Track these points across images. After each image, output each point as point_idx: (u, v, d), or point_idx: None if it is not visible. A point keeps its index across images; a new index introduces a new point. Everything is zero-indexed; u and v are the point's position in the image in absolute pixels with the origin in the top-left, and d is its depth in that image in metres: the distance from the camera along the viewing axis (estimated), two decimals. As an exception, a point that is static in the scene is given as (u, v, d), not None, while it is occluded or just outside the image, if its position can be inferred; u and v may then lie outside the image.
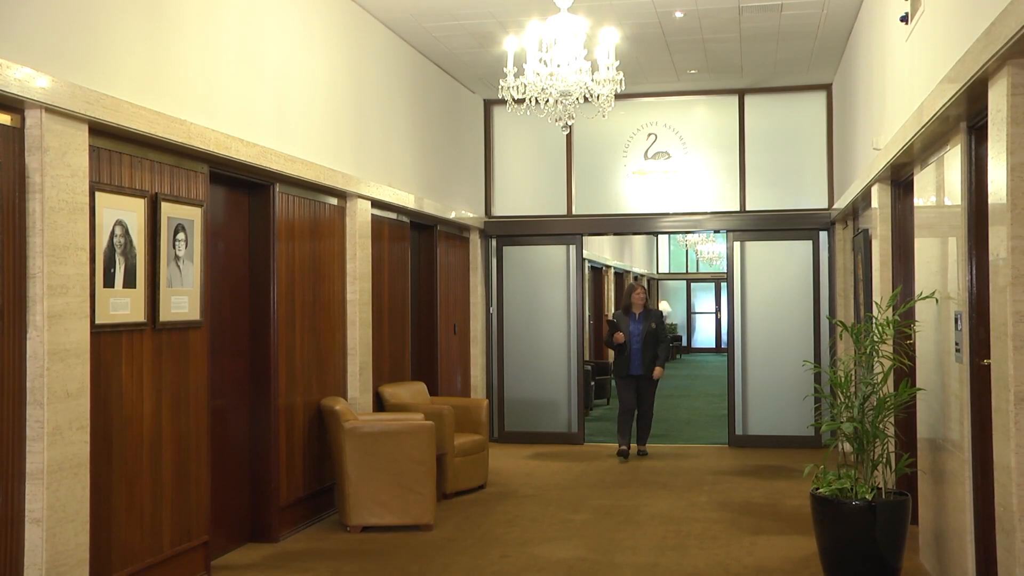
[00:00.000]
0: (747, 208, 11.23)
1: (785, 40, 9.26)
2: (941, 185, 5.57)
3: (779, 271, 11.12)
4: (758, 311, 11.13)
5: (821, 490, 5.73)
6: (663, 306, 28.54)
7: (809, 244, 11.10)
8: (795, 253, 11.14)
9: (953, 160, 5.21)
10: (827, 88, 11.05)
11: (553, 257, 11.55)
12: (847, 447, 6.01)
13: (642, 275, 24.59)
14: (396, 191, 8.67)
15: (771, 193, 11.21)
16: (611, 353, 12.50)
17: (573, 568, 6.09)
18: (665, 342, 10.35)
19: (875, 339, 5.89)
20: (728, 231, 11.20)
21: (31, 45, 4.41)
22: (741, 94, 11.26)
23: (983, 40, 3.96)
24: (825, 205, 11.01)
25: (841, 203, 9.73)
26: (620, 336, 10.16)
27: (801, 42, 9.33)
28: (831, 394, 6.10)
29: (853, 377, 5.97)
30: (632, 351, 10.19)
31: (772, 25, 8.77)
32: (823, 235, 11.06)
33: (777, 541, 6.75)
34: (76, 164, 4.67)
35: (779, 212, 11.12)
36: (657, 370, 10.23)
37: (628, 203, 11.53)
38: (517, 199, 11.78)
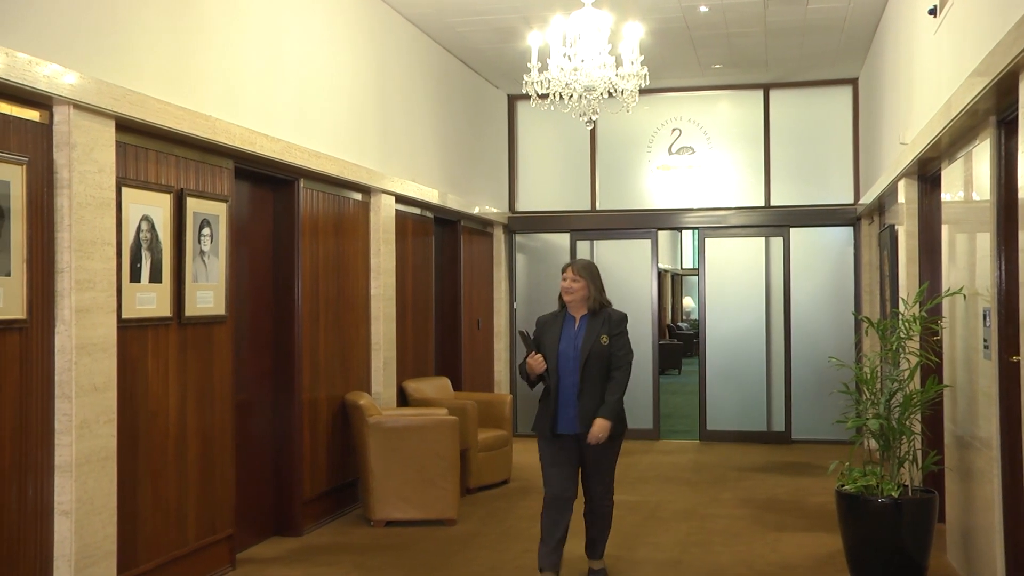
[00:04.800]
0: (772, 203, 11.17)
1: (811, 34, 9.19)
2: (969, 180, 5.51)
3: (805, 267, 11.06)
4: (783, 307, 11.07)
5: (846, 487, 5.69)
6: (687, 303, 27.27)
7: (835, 239, 11.04)
8: (821, 248, 11.08)
9: (982, 155, 5.15)
10: (853, 82, 10.96)
11: (577, 252, 11.52)
12: (873, 444, 5.97)
13: (666, 270, 24.34)
14: (420, 186, 8.68)
15: (796, 188, 11.15)
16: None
17: (596, 564, 6.08)
18: (623, 368, 5.42)
19: (901, 335, 5.85)
20: (753, 226, 11.16)
21: (59, 42, 4.44)
22: (766, 89, 11.19)
23: (1014, 33, 3.91)
24: (851, 200, 10.94)
25: (867, 198, 9.66)
26: (538, 361, 5.36)
27: (827, 36, 9.26)
28: (856, 390, 6.06)
29: (879, 373, 5.93)
30: (561, 389, 5.37)
31: (798, 19, 8.71)
32: (849, 230, 10.98)
33: (801, 538, 6.71)
34: (103, 160, 4.70)
35: (804, 207, 11.05)
36: (597, 424, 5.30)
37: (652, 198, 11.50)
38: (541, 194, 11.77)
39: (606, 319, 5.43)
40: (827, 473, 6.26)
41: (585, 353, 5.34)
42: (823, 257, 11.08)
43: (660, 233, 11.67)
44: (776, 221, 11.10)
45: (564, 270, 5.49)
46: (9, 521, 4.25)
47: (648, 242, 11.39)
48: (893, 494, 5.48)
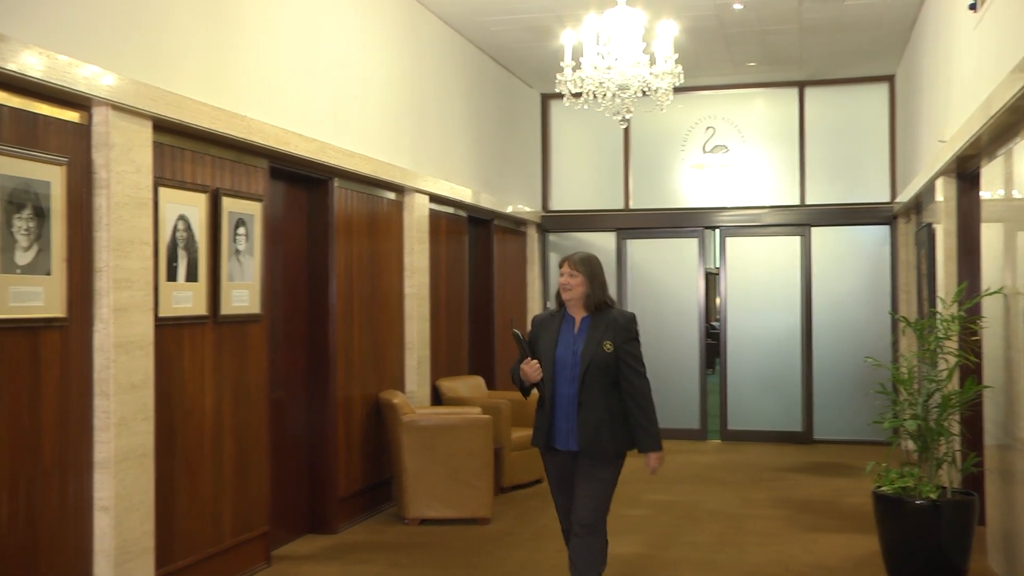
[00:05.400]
0: (807, 202, 11.09)
1: (846, 31, 9.10)
2: (1010, 178, 5.43)
3: (839, 265, 10.97)
4: (820, 307, 10.99)
5: (883, 488, 5.64)
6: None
7: (871, 238, 10.94)
8: (856, 247, 10.98)
9: (1023, 152, 5.07)
10: (890, 79, 10.85)
11: (610, 251, 11.50)
12: (910, 445, 5.91)
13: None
14: (453, 185, 8.69)
15: (832, 187, 11.06)
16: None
17: (631, 564, 6.06)
18: (642, 384, 4.66)
19: (939, 335, 5.78)
20: (787, 225, 11.09)
21: (97, 44, 4.49)
22: (801, 86, 11.11)
23: (1055, 28, 3.85)
24: (887, 199, 10.83)
25: (904, 197, 9.55)
26: (534, 369, 4.64)
27: (863, 32, 9.16)
28: (893, 391, 5.99)
29: (916, 374, 5.86)
30: (557, 399, 4.67)
31: (833, 15, 8.63)
32: (885, 229, 10.87)
33: (837, 539, 6.65)
34: (140, 160, 4.75)
35: (840, 206, 10.96)
36: (652, 458, 4.72)
37: (686, 197, 11.45)
38: (574, 193, 11.75)
39: (611, 322, 4.65)
40: (864, 474, 6.20)
41: (585, 362, 4.58)
42: (858, 256, 10.98)
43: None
44: (811, 220, 11.02)
45: (562, 264, 4.78)
46: (51, 516, 4.31)
47: (695, 241, 11.34)
48: (932, 496, 5.42)
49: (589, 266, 4.74)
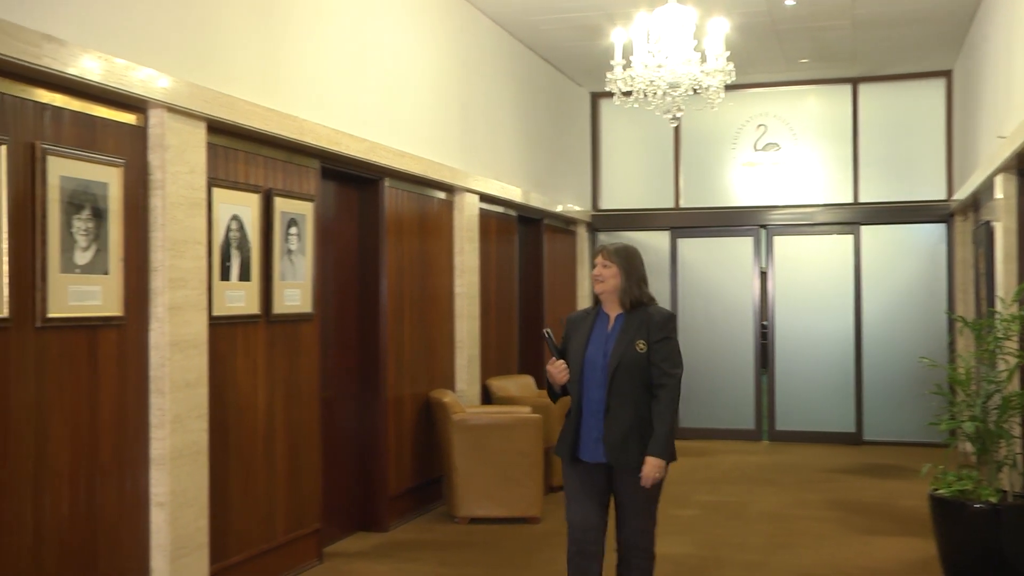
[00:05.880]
0: (860, 200, 10.93)
1: (902, 25, 8.96)
2: (1072, 174, 5.31)
3: (893, 264, 10.80)
4: (871, 306, 10.84)
5: (941, 491, 5.54)
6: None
7: (926, 236, 10.75)
8: (911, 246, 10.81)
9: (1085, 148, 4.96)
10: (947, 75, 10.66)
11: (660, 250, 11.44)
12: (968, 447, 5.79)
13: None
14: (503, 185, 8.70)
15: (886, 184, 10.89)
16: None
17: (681, 564, 6.02)
18: (669, 386, 4.22)
19: (999, 335, 5.66)
20: (843, 223, 10.94)
21: (152, 47, 4.56)
22: (854, 83, 10.95)
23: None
24: (943, 196, 10.64)
25: (961, 194, 9.38)
26: (559, 369, 4.32)
27: (919, 27, 9.01)
28: (950, 392, 5.88)
29: (974, 375, 5.75)
30: (586, 404, 4.31)
31: (888, 10, 8.49)
32: (941, 227, 10.68)
33: (892, 542, 6.55)
34: (195, 161, 4.81)
35: (894, 204, 10.79)
36: (649, 463, 4.15)
37: (736, 196, 11.35)
38: (624, 192, 11.71)
39: (646, 319, 4.25)
40: (919, 476, 6.09)
41: (615, 361, 4.19)
42: (912, 254, 10.81)
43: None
44: (864, 218, 10.86)
45: (596, 255, 4.41)
46: (110, 512, 4.39)
47: (749, 240, 11.24)
48: (991, 499, 5.31)
49: (625, 257, 4.32)
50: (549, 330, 4.45)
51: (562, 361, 4.30)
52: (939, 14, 8.63)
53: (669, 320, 4.29)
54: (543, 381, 9.69)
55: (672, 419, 4.20)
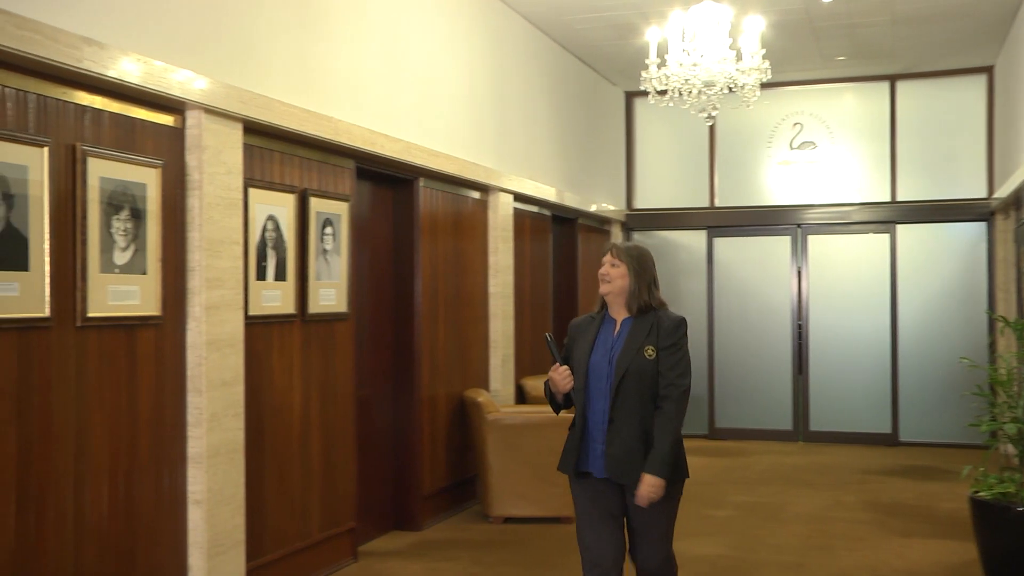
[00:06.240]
0: (898, 198, 10.81)
1: (941, 21, 8.84)
2: (1116, 172, 5.21)
3: (931, 263, 10.67)
4: (907, 306, 10.71)
5: (982, 493, 5.46)
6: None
7: (965, 235, 10.61)
8: (949, 245, 10.67)
9: None
10: (988, 71, 10.51)
11: (696, 250, 11.39)
12: (1009, 449, 5.71)
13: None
14: (537, 184, 8.70)
15: (925, 183, 10.76)
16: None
17: (716, 565, 5.99)
18: (674, 397, 3.89)
19: (1041, 335, 5.58)
20: (879, 222, 10.83)
21: (189, 49, 4.61)
22: (892, 80, 10.83)
23: None
24: (984, 194, 10.49)
25: (1003, 192, 9.24)
26: (562, 376, 4.00)
27: (959, 22, 8.89)
28: (991, 393, 5.80)
29: (1016, 375, 5.66)
30: (591, 415, 4.00)
31: (927, 5, 8.39)
32: (981, 226, 10.54)
33: (930, 545, 6.47)
34: (231, 162, 4.85)
35: (933, 202, 10.66)
36: (646, 482, 3.82)
37: (772, 195, 11.27)
38: (658, 191, 11.67)
39: (655, 324, 3.95)
40: (958, 478, 6.02)
41: (621, 369, 3.88)
42: (950, 253, 10.66)
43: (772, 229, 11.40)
44: (901, 217, 10.74)
45: (604, 253, 4.12)
46: (147, 509, 4.44)
47: (787, 239, 11.15)
48: (1033, 502, 5.24)
49: (636, 257, 4.03)
50: (550, 335, 4.12)
51: (565, 367, 4.00)
52: (981, 9, 8.51)
53: (679, 325, 3.97)
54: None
55: (676, 433, 3.88)
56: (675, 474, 3.87)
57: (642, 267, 4.02)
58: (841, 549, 6.39)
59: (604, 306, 4.10)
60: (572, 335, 4.13)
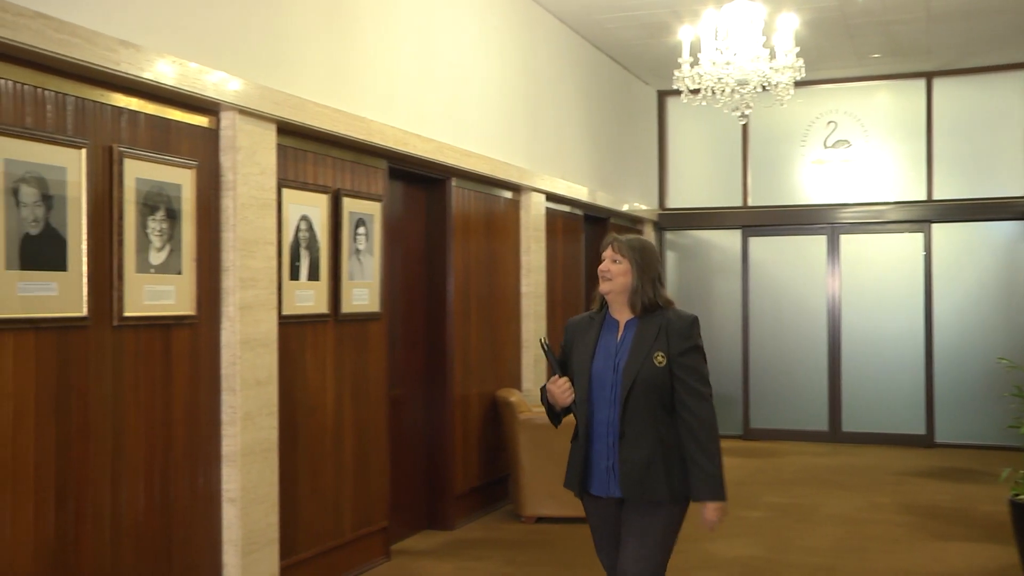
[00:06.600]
0: (935, 197, 10.69)
1: (979, 17, 8.73)
2: None
3: (968, 263, 10.55)
4: (943, 305, 10.59)
5: (1021, 496, 5.39)
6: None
7: (1004, 234, 10.47)
8: (987, 244, 10.54)
9: None
10: (1027, 67, 10.38)
11: (730, 249, 11.33)
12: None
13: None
14: (569, 184, 8.69)
15: (961, 181, 10.63)
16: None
17: (748, 566, 5.96)
18: (702, 411, 3.53)
19: (1081, 336, 5.49)
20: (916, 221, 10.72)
21: (223, 50, 4.65)
22: (928, 77, 10.71)
23: None
24: (1022, 193, 10.35)
25: (1041, 190, 9.12)
26: (561, 390, 3.62)
27: (997, 18, 8.77)
28: (1030, 394, 5.73)
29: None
30: (595, 427, 3.60)
31: (964, 2, 8.28)
32: (1020, 225, 10.40)
33: (968, 548, 6.39)
34: (265, 162, 4.89)
35: (970, 201, 10.53)
36: (711, 509, 3.53)
37: (805, 194, 11.18)
38: (691, 191, 11.62)
39: (664, 326, 3.55)
40: (997, 481, 5.94)
41: (629, 379, 3.50)
42: (988, 252, 10.53)
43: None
44: (937, 216, 10.61)
45: (604, 248, 3.69)
46: (183, 507, 4.48)
47: (823, 238, 11.06)
48: (1073, 505, 5.16)
49: (639, 251, 3.62)
50: (546, 340, 3.81)
51: (565, 379, 3.62)
52: (1019, 4, 8.39)
53: (692, 325, 3.58)
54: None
55: (718, 450, 3.51)
56: (681, 487, 3.52)
57: (646, 262, 3.62)
58: (875, 551, 6.33)
59: (604, 305, 3.71)
60: (570, 336, 3.75)
